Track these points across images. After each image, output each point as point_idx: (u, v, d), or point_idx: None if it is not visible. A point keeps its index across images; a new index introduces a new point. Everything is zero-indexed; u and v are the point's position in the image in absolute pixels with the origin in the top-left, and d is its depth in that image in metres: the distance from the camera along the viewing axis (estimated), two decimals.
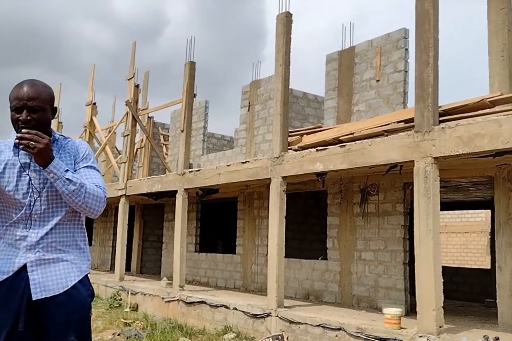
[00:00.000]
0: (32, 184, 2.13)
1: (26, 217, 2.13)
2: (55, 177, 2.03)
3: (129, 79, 12.03)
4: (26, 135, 1.97)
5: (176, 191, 9.62)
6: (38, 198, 2.13)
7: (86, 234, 2.34)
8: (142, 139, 14.37)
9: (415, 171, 5.54)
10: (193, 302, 8.67)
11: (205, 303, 8.42)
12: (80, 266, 2.21)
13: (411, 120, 5.94)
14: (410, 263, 7.09)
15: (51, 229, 2.15)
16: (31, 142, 1.96)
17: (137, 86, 11.98)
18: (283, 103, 7.48)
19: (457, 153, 5.24)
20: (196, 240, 11.86)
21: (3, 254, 2.15)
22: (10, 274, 2.10)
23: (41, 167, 2.05)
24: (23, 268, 2.10)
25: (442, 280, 5.39)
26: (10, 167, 2.16)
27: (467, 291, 10.08)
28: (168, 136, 15.34)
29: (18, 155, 2.17)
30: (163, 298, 9.43)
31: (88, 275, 2.26)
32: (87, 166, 2.23)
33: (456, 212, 18.24)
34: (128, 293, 10.42)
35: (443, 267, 5.58)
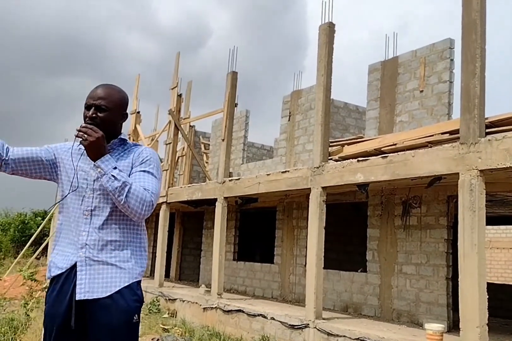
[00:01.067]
0: (87, 180, 2.22)
1: (80, 214, 2.21)
2: (102, 172, 2.09)
3: (172, 89, 12.26)
4: (82, 129, 2.09)
5: (215, 199, 9.70)
6: (91, 195, 2.21)
7: (143, 238, 2.31)
8: (184, 148, 14.59)
9: (460, 184, 5.41)
10: (231, 310, 8.69)
11: (243, 311, 8.42)
12: (129, 271, 2.20)
13: (456, 131, 5.82)
14: (453, 278, 6.91)
15: (100, 227, 2.18)
16: (84, 135, 2.07)
17: (179, 95, 12.20)
18: (324, 113, 7.46)
19: (504, 166, 5.09)
20: (235, 248, 11.90)
21: (62, 250, 2.23)
22: (63, 270, 2.17)
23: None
24: (75, 266, 2.16)
25: (487, 296, 5.23)
26: (72, 164, 2.26)
27: (511, 308, 9.73)
28: (209, 145, 15.52)
29: (83, 154, 2.26)
30: (201, 305, 9.49)
31: (140, 281, 2.23)
32: (143, 170, 2.24)
33: (502, 227, 17.63)
34: (167, 299, 10.54)
35: (487, 283, 5.41)
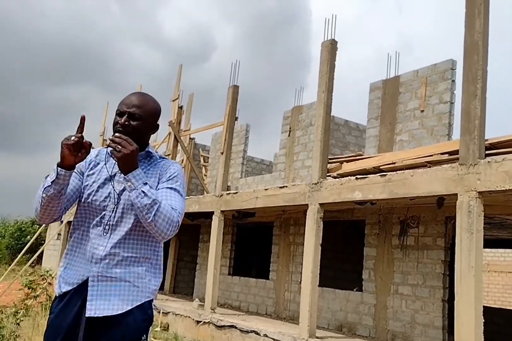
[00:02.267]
0: (111, 193, 2.14)
1: (98, 226, 2.13)
2: (132, 187, 1.99)
3: (173, 101, 12.30)
4: (116, 139, 1.98)
5: (212, 212, 9.64)
6: (114, 209, 2.12)
7: (160, 255, 2.24)
8: (183, 160, 14.56)
9: (458, 205, 5.37)
10: (224, 325, 8.58)
11: (236, 327, 8.31)
12: (143, 289, 2.12)
13: (455, 152, 5.80)
14: (449, 300, 6.83)
15: (119, 242, 2.09)
16: (118, 146, 1.96)
17: (180, 107, 12.23)
18: (324, 130, 7.45)
19: (503, 188, 5.05)
20: (230, 262, 11.80)
21: (73, 265, 2.15)
22: (74, 286, 2.10)
23: (122, 174, 2.05)
24: (86, 281, 2.08)
25: (483, 320, 5.15)
26: (97, 174, 2.20)
27: (508, 333, 9.61)
28: (208, 158, 15.50)
29: (107, 163, 2.20)
30: (194, 319, 9.37)
31: (152, 300, 2.16)
32: (170, 188, 2.16)
33: (500, 250, 17.52)
34: (159, 312, 10.41)
35: (484, 307, 5.33)
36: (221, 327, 8.64)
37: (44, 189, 1.99)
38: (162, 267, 2.25)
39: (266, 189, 8.48)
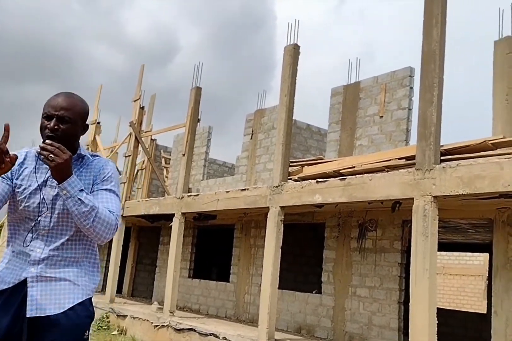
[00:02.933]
0: (45, 199, 2.09)
1: (34, 231, 2.10)
2: (68, 195, 1.96)
3: (134, 101, 12.13)
4: (49, 147, 1.91)
5: (173, 215, 9.56)
6: (49, 214, 2.09)
7: (97, 255, 2.25)
8: (144, 161, 14.39)
9: (414, 209, 5.50)
10: (183, 328, 8.51)
11: (195, 330, 8.26)
12: (83, 287, 2.13)
13: (412, 157, 5.94)
14: (405, 302, 6.98)
15: (58, 246, 2.09)
16: (51, 155, 1.90)
17: (142, 108, 12.08)
18: (286, 133, 7.51)
19: (457, 193, 5.21)
20: (190, 265, 11.72)
21: (10, 264, 2.12)
22: (10, 286, 2.06)
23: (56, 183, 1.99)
24: (24, 282, 2.05)
25: (437, 322, 5.28)
26: (28, 180, 2.13)
27: (462, 334, 9.89)
28: (170, 159, 15.37)
29: (36, 168, 2.14)
30: (152, 323, 9.26)
31: (91, 298, 2.18)
32: (106, 189, 2.15)
33: (455, 253, 18.04)
34: (117, 315, 10.24)
35: (439, 309, 5.49)
36: (180, 330, 8.57)
37: None
38: (99, 266, 2.27)
39: (227, 192, 8.48)
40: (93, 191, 2.13)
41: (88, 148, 13.71)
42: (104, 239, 2.06)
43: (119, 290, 12.33)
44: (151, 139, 14.21)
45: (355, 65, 9.28)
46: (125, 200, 11.39)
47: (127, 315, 10.03)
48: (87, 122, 2.24)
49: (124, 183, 11.61)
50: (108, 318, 10.43)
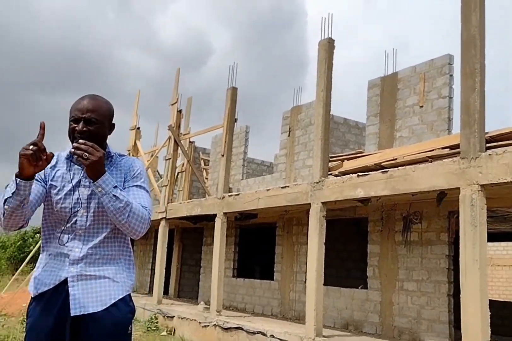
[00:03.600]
0: (80, 199, 2.15)
1: (71, 231, 2.15)
2: (103, 192, 2.01)
3: (172, 105, 12.30)
4: (82, 146, 1.96)
5: (215, 215, 9.64)
6: (85, 213, 2.15)
7: (131, 252, 2.31)
8: (183, 164, 14.57)
9: (461, 199, 5.37)
10: (230, 327, 8.56)
11: (242, 329, 8.30)
12: (122, 284, 2.18)
13: (456, 146, 5.81)
14: (454, 294, 6.82)
15: (95, 245, 2.15)
16: (85, 153, 1.95)
17: (179, 111, 12.23)
18: (324, 128, 7.46)
19: (505, 181, 5.06)
20: (234, 265, 11.79)
21: (48, 266, 2.17)
22: (51, 287, 2.12)
23: (91, 181, 2.05)
24: (64, 282, 2.11)
25: (489, 313, 5.14)
26: (62, 181, 2.19)
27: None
28: (209, 161, 15.51)
29: (69, 170, 2.20)
30: (200, 322, 9.36)
31: (130, 293, 2.23)
32: (136, 186, 2.21)
33: (502, 243, 17.48)
34: (165, 316, 10.40)
35: (489, 301, 5.33)
36: (227, 329, 8.62)
37: (5, 200, 1.96)
38: (134, 262, 2.32)
39: (268, 190, 8.48)
40: (125, 188, 2.18)
41: (129, 154, 13.99)
42: (139, 233, 2.11)
43: (165, 292, 12.52)
44: (190, 141, 14.38)
45: (391, 57, 9.15)
46: (167, 202, 11.55)
47: (174, 316, 10.16)
48: (114, 122, 2.29)
49: (166, 185, 11.78)
50: (156, 319, 10.60)
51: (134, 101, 14.41)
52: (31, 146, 1.86)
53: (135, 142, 14.07)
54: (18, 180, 1.93)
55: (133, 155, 13.98)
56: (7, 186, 1.99)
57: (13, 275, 16.81)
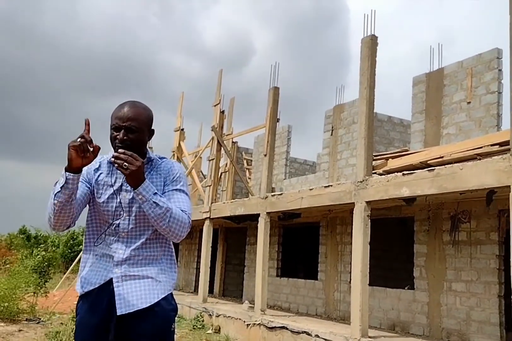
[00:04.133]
0: (121, 203, 2.23)
1: (115, 233, 2.23)
2: (143, 199, 2.07)
3: (215, 106, 12.42)
4: (122, 156, 2.02)
5: (258, 215, 9.67)
6: (127, 217, 2.22)
7: (173, 252, 2.37)
8: (226, 164, 14.69)
9: (511, 197, 5.20)
10: (275, 327, 8.58)
11: (287, 328, 8.30)
12: (164, 284, 2.25)
13: (506, 143, 5.63)
14: (505, 295, 6.62)
15: (138, 246, 2.22)
16: (125, 163, 2.01)
17: (222, 112, 12.34)
18: (368, 126, 7.36)
19: None
20: (278, 264, 11.81)
21: (94, 266, 2.25)
22: (96, 286, 2.20)
23: (132, 188, 2.11)
24: (109, 282, 2.19)
25: None
26: (104, 185, 2.27)
27: None
28: (252, 160, 15.58)
29: (111, 174, 2.28)
30: (244, 321, 9.42)
31: (172, 292, 2.30)
32: (176, 189, 2.26)
33: None
34: (211, 315, 10.52)
35: None
36: (272, 328, 8.64)
37: (55, 195, 2.03)
38: (176, 262, 2.38)
39: (311, 189, 8.45)
40: (165, 192, 2.24)
41: (174, 154, 14.23)
42: (180, 237, 2.17)
43: (210, 290, 12.66)
44: (232, 142, 14.49)
45: (437, 52, 8.95)
46: (211, 202, 11.67)
47: (220, 314, 10.27)
48: (153, 128, 2.34)
49: (209, 186, 11.91)
50: (202, 317, 10.73)
51: (178, 103, 14.65)
52: (79, 139, 1.96)
53: (179, 144, 14.29)
54: (67, 173, 2.01)
55: (177, 156, 14.20)
56: (56, 182, 2.07)
57: (64, 273, 17.38)
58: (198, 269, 13.41)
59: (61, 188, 2.02)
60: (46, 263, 12.27)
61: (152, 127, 2.33)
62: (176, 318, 2.34)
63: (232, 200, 11.90)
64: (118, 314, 2.13)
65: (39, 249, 14.79)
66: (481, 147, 6.06)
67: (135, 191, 2.07)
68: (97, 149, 2.02)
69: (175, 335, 2.31)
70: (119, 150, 2.07)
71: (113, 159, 2.04)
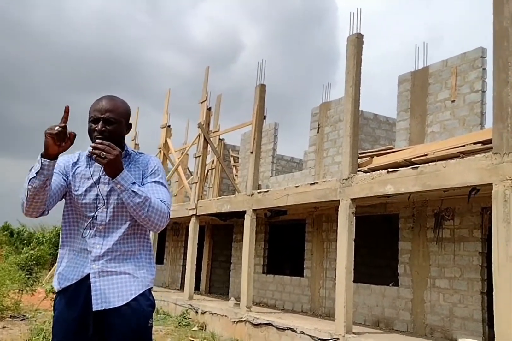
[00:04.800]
0: (100, 195, 2.23)
1: (92, 227, 2.23)
2: (122, 188, 2.08)
3: (201, 103, 12.40)
4: (99, 146, 2.04)
5: (244, 212, 9.69)
6: (105, 209, 2.23)
7: (151, 247, 2.38)
8: (213, 161, 14.69)
9: (494, 195, 5.26)
10: (260, 323, 8.61)
11: (272, 325, 8.33)
12: (142, 280, 2.25)
13: (488, 141, 5.70)
14: (488, 292, 6.70)
15: (116, 241, 2.22)
16: (102, 153, 2.03)
17: (209, 109, 12.31)
18: (353, 124, 7.40)
19: None
20: (264, 261, 11.83)
21: (71, 262, 2.25)
22: (73, 282, 2.21)
23: (110, 178, 2.11)
24: (86, 277, 2.20)
25: None
26: (82, 178, 2.28)
27: None
28: (238, 158, 15.58)
29: (90, 166, 2.29)
30: (230, 318, 9.44)
31: (151, 288, 2.30)
32: (154, 182, 2.28)
33: None
34: (197, 312, 10.52)
35: None
36: (257, 325, 8.67)
37: (29, 180, 2.03)
38: (154, 257, 2.39)
39: (297, 186, 8.48)
40: (143, 184, 2.25)
41: (160, 151, 14.18)
42: (159, 227, 2.18)
43: (196, 287, 12.66)
44: (219, 139, 14.48)
45: (422, 51, 9.01)
46: (198, 199, 11.67)
47: (206, 311, 10.28)
48: (130, 122, 2.37)
49: (196, 183, 11.89)
50: (188, 314, 10.73)
51: (165, 100, 14.59)
52: (56, 127, 1.96)
53: (166, 140, 14.25)
54: (43, 159, 2.01)
55: (164, 153, 14.16)
56: (32, 168, 2.07)
57: (50, 270, 17.27)
58: (184, 266, 13.40)
59: (36, 173, 2.01)
60: (34, 262, 12.20)
61: (130, 121, 2.35)
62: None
63: (219, 197, 11.89)
64: (94, 310, 2.14)
65: (28, 248, 14.71)
66: (464, 146, 6.12)
67: (114, 180, 2.08)
68: (72, 136, 2.02)
69: (152, 330, 2.32)
70: (97, 140, 2.10)
71: (91, 149, 2.06)
